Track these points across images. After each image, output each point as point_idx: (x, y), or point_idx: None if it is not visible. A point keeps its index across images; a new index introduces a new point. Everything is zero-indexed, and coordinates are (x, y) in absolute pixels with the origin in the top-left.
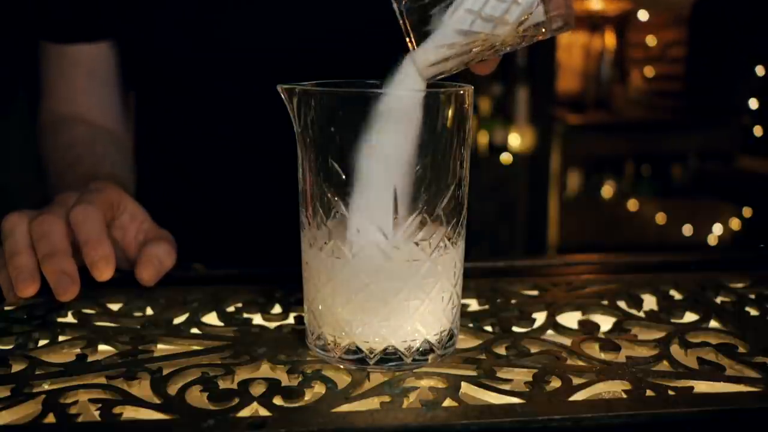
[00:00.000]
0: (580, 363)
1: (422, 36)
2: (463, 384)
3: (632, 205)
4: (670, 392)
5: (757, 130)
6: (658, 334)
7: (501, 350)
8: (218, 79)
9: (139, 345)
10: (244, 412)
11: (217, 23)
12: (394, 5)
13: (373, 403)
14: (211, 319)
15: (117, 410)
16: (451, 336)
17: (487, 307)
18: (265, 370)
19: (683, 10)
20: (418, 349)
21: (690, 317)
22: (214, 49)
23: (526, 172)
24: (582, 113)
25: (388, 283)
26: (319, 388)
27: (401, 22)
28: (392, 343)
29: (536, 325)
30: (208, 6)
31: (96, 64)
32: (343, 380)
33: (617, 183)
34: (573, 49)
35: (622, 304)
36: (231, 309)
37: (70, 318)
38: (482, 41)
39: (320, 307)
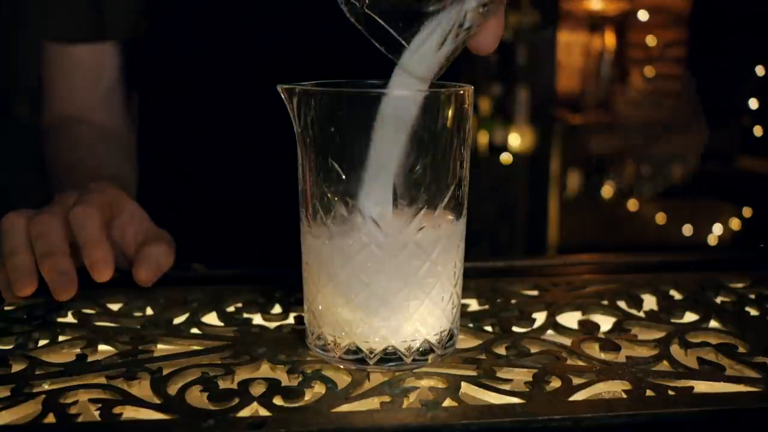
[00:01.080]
0: (580, 363)
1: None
2: (463, 384)
3: (632, 205)
4: (670, 392)
5: (757, 130)
6: (658, 334)
7: (501, 350)
8: (218, 79)
9: (139, 345)
10: (244, 412)
11: (218, 23)
12: (350, 16)
13: (373, 403)
14: (211, 319)
15: (117, 410)
16: (451, 336)
17: (487, 307)
18: (265, 370)
19: (683, 10)
20: (418, 349)
21: (690, 317)
22: (214, 49)
23: (526, 172)
24: (582, 113)
25: (388, 283)
26: (319, 388)
27: (363, 29)
28: (392, 343)
29: (536, 325)
30: (209, 6)
31: (98, 64)
32: (343, 380)
33: (617, 183)
34: (573, 49)
35: (622, 304)
36: (231, 309)
37: (70, 318)
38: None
39: (320, 307)
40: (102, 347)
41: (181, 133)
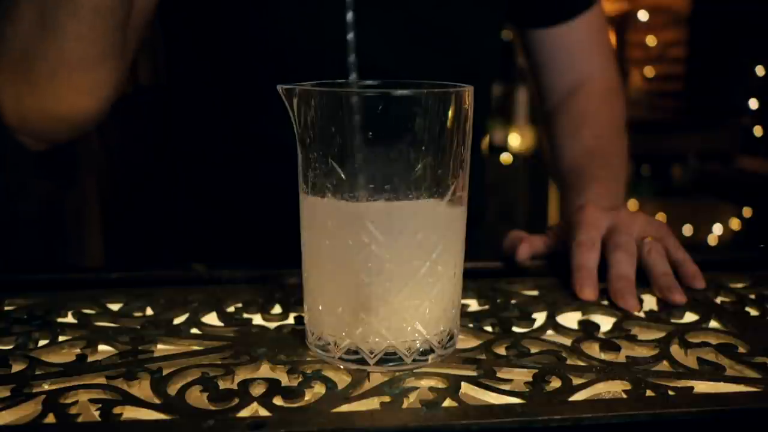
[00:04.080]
0: (580, 363)
1: None
2: (463, 384)
3: (632, 205)
4: (670, 392)
5: (757, 130)
6: (658, 334)
7: (501, 350)
8: (219, 77)
9: (139, 345)
10: (244, 413)
11: (224, 22)
12: None
13: (373, 403)
14: (211, 319)
15: (117, 410)
16: (451, 336)
17: (487, 307)
18: (265, 370)
19: (683, 10)
20: (418, 349)
21: (690, 317)
22: (214, 47)
23: (526, 172)
24: None
25: (388, 283)
26: (319, 388)
27: None
28: (392, 343)
29: (536, 325)
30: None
31: None
32: (343, 380)
33: None
34: None
35: None
36: (231, 309)
37: (70, 318)
38: None
39: (320, 307)
40: (102, 347)
41: (181, 133)
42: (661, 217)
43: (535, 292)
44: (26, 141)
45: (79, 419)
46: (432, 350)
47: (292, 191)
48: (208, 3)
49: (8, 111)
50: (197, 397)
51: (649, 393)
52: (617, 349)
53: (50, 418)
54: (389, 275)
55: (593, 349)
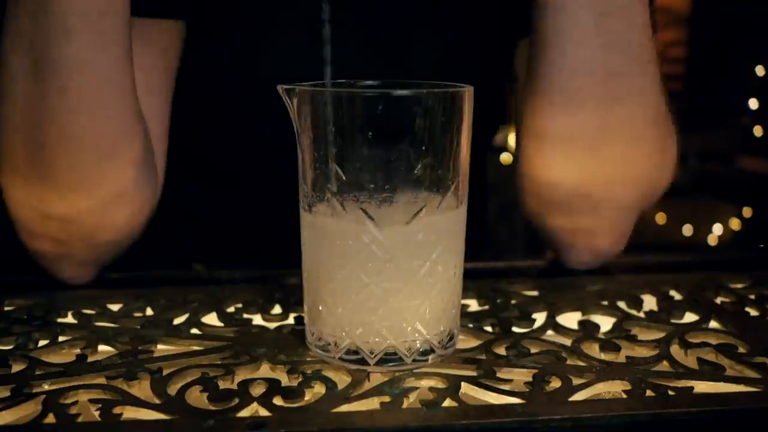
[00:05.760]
0: (580, 363)
1: None
2: (463, 384)
3: None
4: (670, 392)
5: (757, 130)
6: (658, 334)
7: (501, 350)
8: (221, 76)
9: (139, 345)
10: (244, 413)
11: (224, 21)
12: None
13: (373, 403)
14: (211, 319)
15: (117, 410)
16: (451, 336)
17: (487, 307)
18: (265, 370)
19: (683, 10)
20: (418, 349)
21: (690, 317)
22: (219, 47)
23: None
24: None
25: (388, 283)
26: (319, 389)
27: None
28: (392, 343)
29: (536, 325)
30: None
31: None
32: (343, 380)
33: None
34: None
35: (622, 304)
36: (231, 309)
37: (70, 318)
38: None
39: (320, 307)
40: (102, 347)
41: (180, 133)
42: (661, 217)
43: (535, 292)
44: (62, 269)
45: (79, 419)
46: (432, 350)
47: (292, 191)
48: (209, 3)
49: (26, 222)
50: (197, 397)
51: (649, 393)
52: (617, 349)
53: (50, 418)
54: (389, 275)
55: (593, 349)
